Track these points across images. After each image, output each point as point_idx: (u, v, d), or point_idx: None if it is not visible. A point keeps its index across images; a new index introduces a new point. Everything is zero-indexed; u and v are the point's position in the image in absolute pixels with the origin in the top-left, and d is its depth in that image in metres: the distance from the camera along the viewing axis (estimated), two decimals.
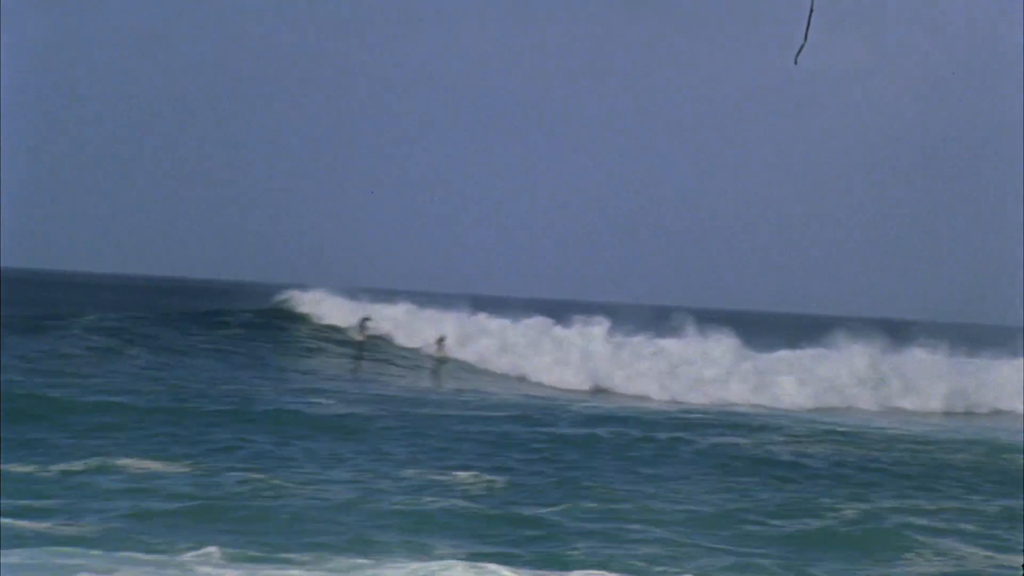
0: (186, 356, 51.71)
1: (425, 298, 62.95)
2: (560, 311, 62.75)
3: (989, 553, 21.06)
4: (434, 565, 18.33)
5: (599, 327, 59.11)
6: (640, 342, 58.38)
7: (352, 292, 61.35)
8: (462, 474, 26.05)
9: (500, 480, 25.67)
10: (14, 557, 17.72)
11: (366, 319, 58.53)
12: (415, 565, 18.26)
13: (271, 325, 58.79)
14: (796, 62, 9.35)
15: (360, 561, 18.60)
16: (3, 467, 23.97)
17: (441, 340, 56.65)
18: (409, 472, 26.13)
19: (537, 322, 59.61)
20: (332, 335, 58.48)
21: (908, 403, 54.30)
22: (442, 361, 56.01)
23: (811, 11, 9.25)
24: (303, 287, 62.49)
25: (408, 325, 59.12)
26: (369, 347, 57.17)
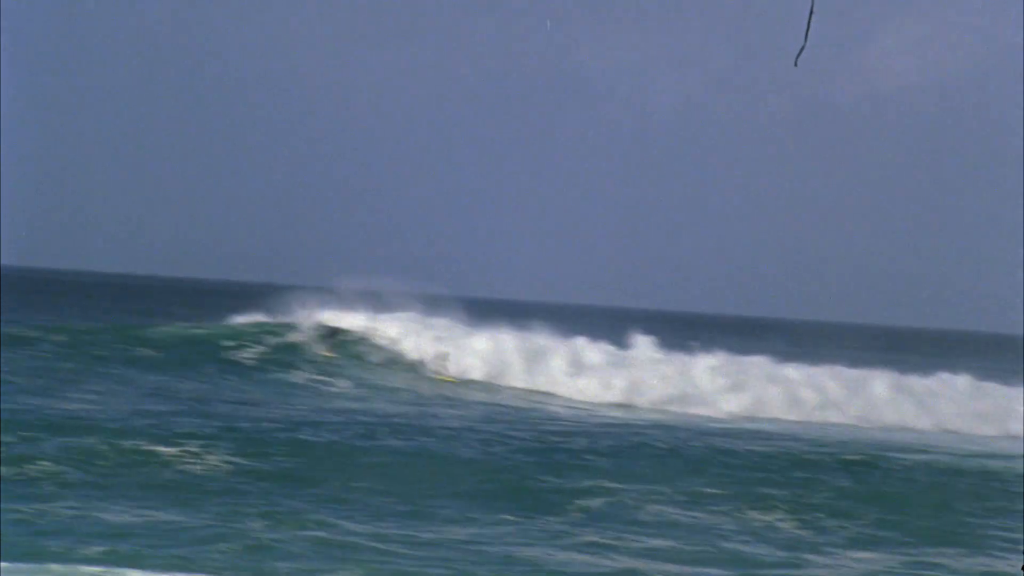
0: None
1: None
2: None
3: None
4: None
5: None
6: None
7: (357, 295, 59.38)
8: None
9: None
10: None
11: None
12: None
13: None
14: (796, 64, 9.24)
15: None
16: None
17: (442, 358, 54.29)
18: None
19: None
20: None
21: None
22: (443, 380, 52.92)
23: (811, 13, 9.13)
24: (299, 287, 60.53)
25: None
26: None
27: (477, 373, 54.08)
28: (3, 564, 17.75)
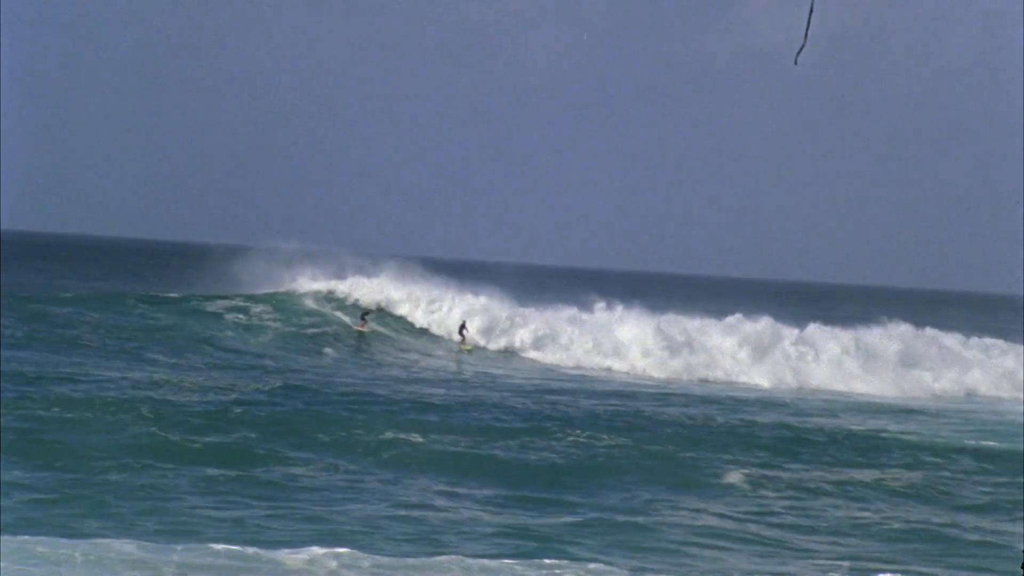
0: None
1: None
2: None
3: None
4: None
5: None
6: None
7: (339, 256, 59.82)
8: None
9: None
10: None
11: (367, 312, 55.47)
12: None
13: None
14: (796, 62, 9.36)
15: None
16: None
17: (463, 327, 55.13)
18: None
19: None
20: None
21: None
22: (468, 350, 53.98)
23: (811, 11, 9.25)
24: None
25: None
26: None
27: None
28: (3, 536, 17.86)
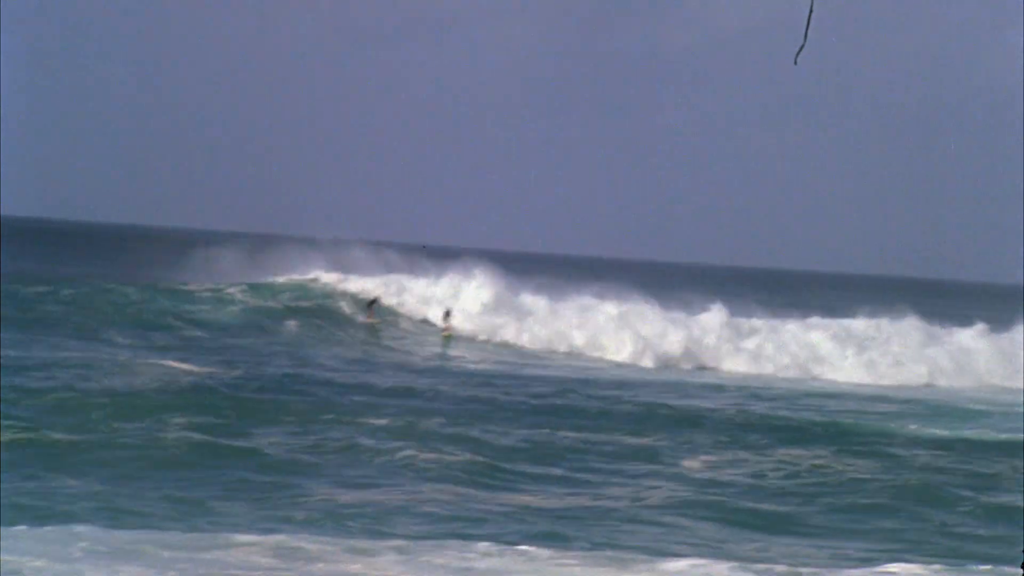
0: None
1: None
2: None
3: None
4: None
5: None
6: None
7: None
8: None
9: None
10: None
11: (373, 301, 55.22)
12: None
13: None
14: (796, 62, 9.36)
15: None
16: None
17: (447, 314, 55.02)
18: None
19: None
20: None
21: None
22: (448, 337, 53.85)
23: (811, 11, 9.25)
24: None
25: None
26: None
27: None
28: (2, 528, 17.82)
